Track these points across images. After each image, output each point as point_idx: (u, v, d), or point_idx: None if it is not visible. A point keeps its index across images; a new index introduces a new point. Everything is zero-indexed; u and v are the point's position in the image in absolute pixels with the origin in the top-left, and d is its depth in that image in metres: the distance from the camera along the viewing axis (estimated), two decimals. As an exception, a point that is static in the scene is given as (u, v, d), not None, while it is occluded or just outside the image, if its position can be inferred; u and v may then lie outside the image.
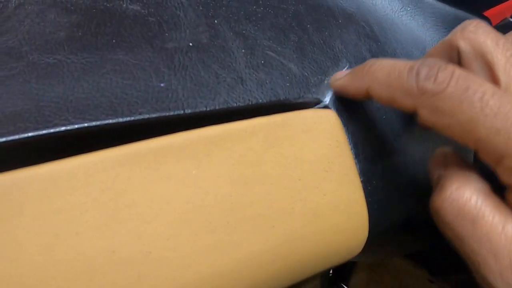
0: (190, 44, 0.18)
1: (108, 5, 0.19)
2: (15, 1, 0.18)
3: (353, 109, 0.19)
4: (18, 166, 0.15)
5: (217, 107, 0.16)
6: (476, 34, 0.16)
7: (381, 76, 0.16)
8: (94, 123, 0.15)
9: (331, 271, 0.39)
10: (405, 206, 0.20)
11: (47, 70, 0.16)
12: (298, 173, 0.16)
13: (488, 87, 0.14)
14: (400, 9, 0.23)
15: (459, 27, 0.17)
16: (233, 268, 0.15)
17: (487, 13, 0.26)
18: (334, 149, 0.17)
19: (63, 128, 0.15)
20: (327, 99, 0.19)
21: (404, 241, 0.23)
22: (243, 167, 0.16)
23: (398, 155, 0.20)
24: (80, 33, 0.17)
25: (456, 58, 0.17)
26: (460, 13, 0.24)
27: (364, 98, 0.18)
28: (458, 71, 0.14)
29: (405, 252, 0.28)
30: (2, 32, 0.18)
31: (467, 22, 0.17)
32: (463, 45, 0.17)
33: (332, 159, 0.17)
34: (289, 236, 0.16)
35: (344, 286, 0.39)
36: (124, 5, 0.19)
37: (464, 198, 0.15)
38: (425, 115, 0.15)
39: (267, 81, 0.18)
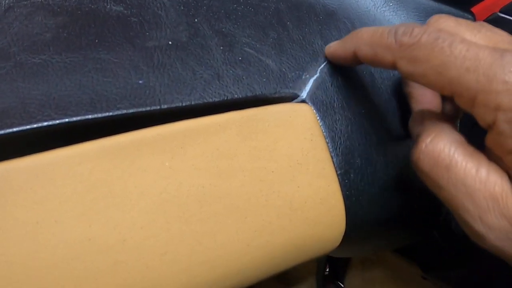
0: (170, 42, 0.18)
1: (92, 6, 0.19)
2: (5, 5, 0.19)
3: (330, 104, 0.20)
4: (4, 159, 0.16)
5: (192, 102, 0.17)
6: (438, 22, 0.18)
7: (366, 37, 0.18)
8: (74, 119, 0.16)
9: (327, 269, 0.40)
10: (385, 200, 0.20)
11: (33, 69, 0.17)
12: (272, 166, 0.17)
13: (457, 36, 0.15)
14: (383, 5, 0.23)
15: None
16: (207, 258, 0.16)
17: (474, 8, 0.25)
18: (308, 142, 0.18)
19: (45, 124, 0.16)
20: (304, 94, 0.19)
21: (387, 235, 0.23)
22: (217, 160, 0.16)
23: (377, 148, 0.20)
24: (65, 34, 0.18)
25: None
26: (444, 8, 0.24)
27: (352, 60, 0.19)
28: (431, 28, 0.16)
29: (392, 247, 0.28)
30: None
31: (430, 18, 0.18)
32: None
33: (306, 152, 0.18)
34: (263, 227, 0.17)
35: (340, 284, 0.39)
36: (108, 6, 0.19)
37: (438, 148, 0.16)
38: (403, 65, 0.16)
39: (244, 77, 0.18)
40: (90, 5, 0.19)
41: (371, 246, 0.25)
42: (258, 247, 0.17)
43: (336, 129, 0.19)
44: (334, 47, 0.20)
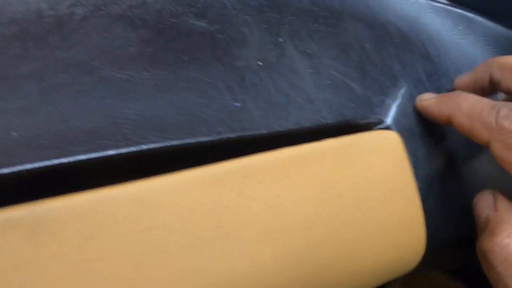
0: (259, 63, 0.18)
1: (174, 20, 0.19)
2: (80, 14, 0.18)
3: (412, 130, 0.20)
4: (99, 184, 0.15)
5: (290, 127, 0.17)
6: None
7: (466, 106, 0.18)
8: (174, 143, 0.15)
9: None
10: (459, 223, 0.21)
11: (121, 86, 0.16)
12: (366, 193, 0.17)
13: None
14: (452, 28, 0.23)
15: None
16: (310, 283, 0.16)
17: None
18: (398, 169, 0.18)
19: (144, 147, 0.15)
20: (388, 120, 0.19)
21: (454, 256, 0.23)
22: (318, 188, 0.16)
23: (453, 174, 0.21)
24: (150, 49, 0.17)
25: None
26: None
27: (444, 123, 0.19)
28: None
29: (453, 266, 0.28)
30: (68, 46, 0.18)
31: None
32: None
33: (396, 179, 0.18)
34: (358, 253, 0.17)
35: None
36: (190, 21, 0.19)
37: None
38: (498, 149, 0.16)
39: (334, 102, 0.18)
40: (171, 19, 0.19)
41: (435, 265, 0.25)
42: (354, 271, 0.17)
43: (417, 156, 0.19)
44: (428, 105, 0.19)
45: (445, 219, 0.20)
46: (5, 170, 0.14)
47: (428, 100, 0.20)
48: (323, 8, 0.21)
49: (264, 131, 0.16)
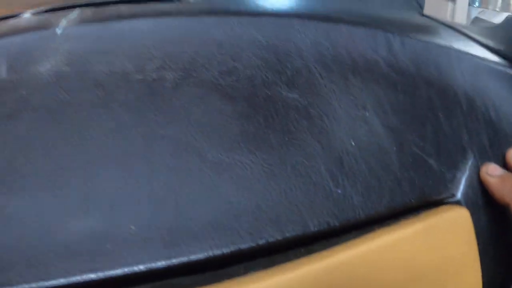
0: (353, 143, 0.19)
1: (268, 92, 0.19)
2: (171, 80, 0.18)
3: (476, 201, 0.21)
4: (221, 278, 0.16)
5: (382, 210, 0.18)
6: None
7: None
8: (288, 235, 0.16)
9: None
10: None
11: (231, 172, 0.17)
12: (443, 268, 0.19)
13: None
14: (510, 92, 0.24)
15: None
16: None
17: None
18: (468, 245, 0.20)
19: (264, 242, 0.16)
20: (459, 194, 0.21)
21: None
22: (407, 270, 0.18)
23: (509, 240, 0.23)
24: (251, 128, 0.18)
25: None
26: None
27: (502, 204, 0.21)
28: None
29: None
30: (167, 121, 0.17)
31: None
32: None
33: (468, 253, 0.20)
34: None
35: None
36: (284, 93, 0.19)
37: None
38: None
39: (416, 180, 0.19)
40: (264, 89, 0.19)
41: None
42: None
43: (480, 226, 0.21)
44: (492, 183, 0.21)
45: (497, 279, 0.22)
46: (127, 270, 0.15)
47: (492, 178, 0.21)
48: (398, 72, 0.22)
49: (362, 216, 0.17)
